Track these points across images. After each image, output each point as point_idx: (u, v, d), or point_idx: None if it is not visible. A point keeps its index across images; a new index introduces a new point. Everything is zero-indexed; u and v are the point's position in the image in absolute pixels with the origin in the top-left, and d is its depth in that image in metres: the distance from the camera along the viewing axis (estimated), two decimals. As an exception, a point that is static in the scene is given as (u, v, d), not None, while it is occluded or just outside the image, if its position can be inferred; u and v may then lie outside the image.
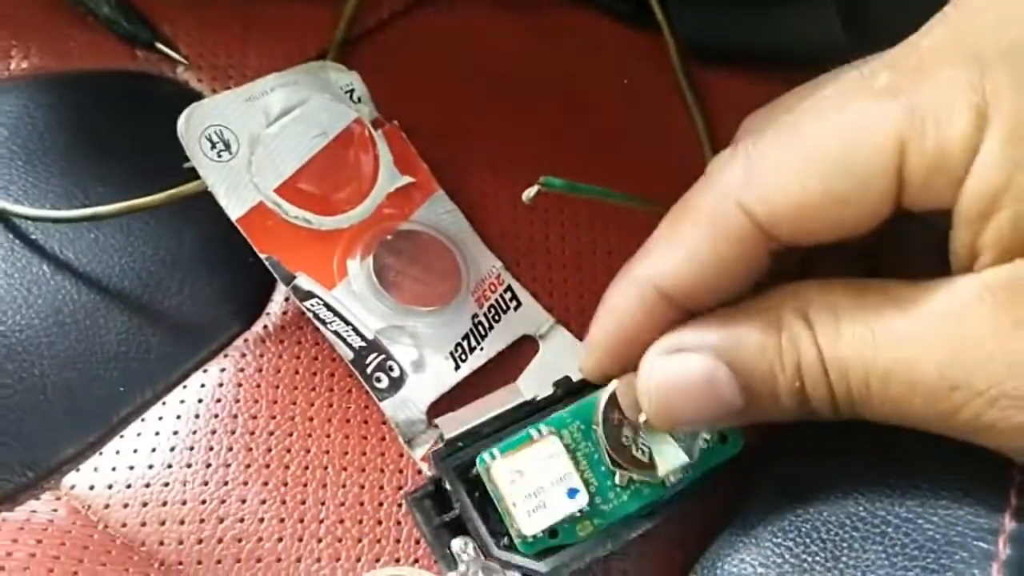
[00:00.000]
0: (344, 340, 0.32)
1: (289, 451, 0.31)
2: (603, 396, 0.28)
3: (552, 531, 0.28)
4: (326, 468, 0.31)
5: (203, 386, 0.33)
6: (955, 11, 0.23)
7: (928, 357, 0.22)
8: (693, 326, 0.26)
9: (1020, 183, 0.21)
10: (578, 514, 0.28)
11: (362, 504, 0.31)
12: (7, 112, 0.37)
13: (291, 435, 0.32)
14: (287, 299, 0.35)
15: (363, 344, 0.32)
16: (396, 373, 0.32)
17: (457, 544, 0.29)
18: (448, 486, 0.30)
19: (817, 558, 0.27)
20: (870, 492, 0.27)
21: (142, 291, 0.34)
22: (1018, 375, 0.21)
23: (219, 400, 0.32)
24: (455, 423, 0.31)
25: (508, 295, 0.35)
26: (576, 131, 0.39)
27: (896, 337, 0.23)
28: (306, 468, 0.31)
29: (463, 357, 0.33)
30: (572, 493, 0.28)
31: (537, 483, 0.28)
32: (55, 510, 0.30)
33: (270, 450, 0.31)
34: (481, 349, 0.34)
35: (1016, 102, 0.21)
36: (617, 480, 0.29)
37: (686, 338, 0.25)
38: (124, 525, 0.30)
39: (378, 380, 0.32)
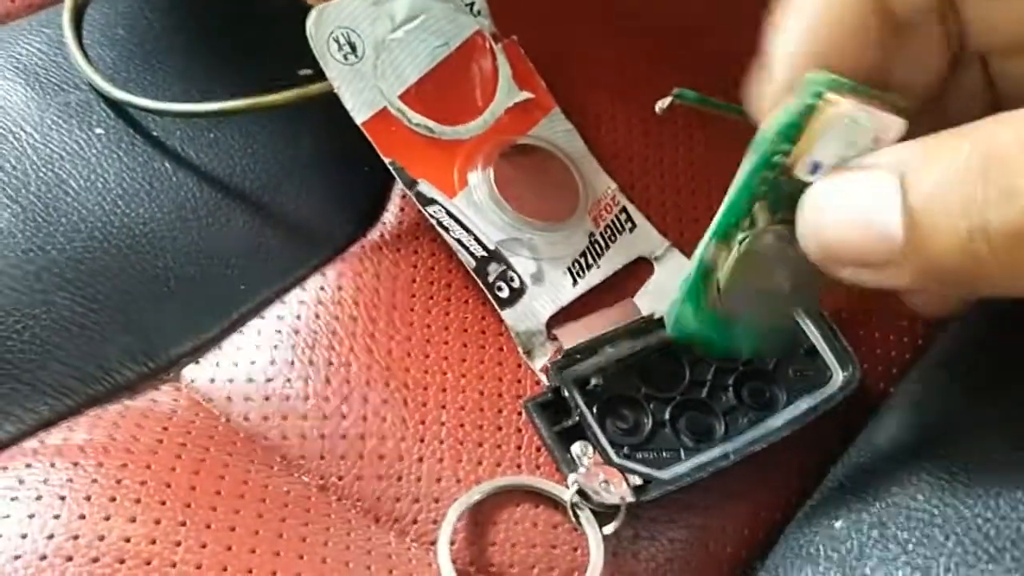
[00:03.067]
0: (466, 248, 0.32)
1: (409, 355, 0.31)
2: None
3: None
4: (445, 374, 0.31)
5: (322, 289, 0.33)
6: None
7: None
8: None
9: None
10: None
11: (482, 410, 0.31)
12: (123, 12, 0.37)
13: (409, 340, 0.32)
14: (402, 209, 0.35)
15: (485, 254, 0.32)
16: (517, 284, 0.32)
17: (577, 448, 0.29)
18: (567, 395, 0.30)
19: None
20: None
21: (262, 192, 0.34)
22: None
23: (339, 302, 0.32)
24: (574, 334, 0.32)
25: (623, 216, 0.35)
26: (688, 53, 0.38)
27: None
28: (426, 372, 0.31)
29: (580, 273, 0.33)
30: None
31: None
32: (176, 400, 0.31)
33: (390, 352, 0.31)
34: (598, 267, 0.34)
35: None
36: None
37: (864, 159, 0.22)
38: (246, 419, 0.30)
39: (499, 289, 0.32)
